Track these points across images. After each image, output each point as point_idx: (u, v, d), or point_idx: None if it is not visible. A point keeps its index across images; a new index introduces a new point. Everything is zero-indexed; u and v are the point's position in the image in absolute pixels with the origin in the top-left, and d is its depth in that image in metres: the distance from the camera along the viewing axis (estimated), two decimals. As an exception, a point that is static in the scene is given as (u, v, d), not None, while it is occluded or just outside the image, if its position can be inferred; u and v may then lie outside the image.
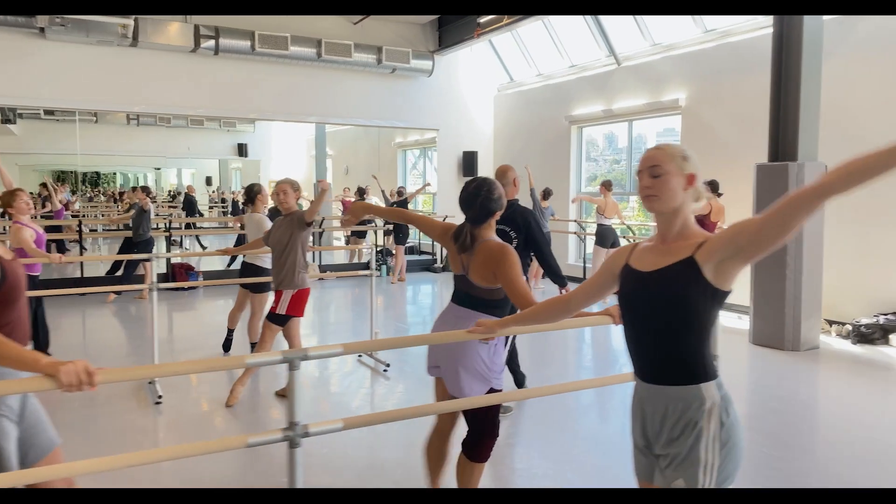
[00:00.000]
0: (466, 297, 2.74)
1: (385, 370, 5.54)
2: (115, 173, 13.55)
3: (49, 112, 10.80)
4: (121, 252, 8.95)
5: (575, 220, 10.68)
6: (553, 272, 4.39)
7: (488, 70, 12.57)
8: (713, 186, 7.05)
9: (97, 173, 13.18)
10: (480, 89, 12.62)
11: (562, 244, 11.00)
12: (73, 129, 11.11)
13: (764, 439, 4.12)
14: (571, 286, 3.00)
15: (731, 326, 7.43)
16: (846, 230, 7.12)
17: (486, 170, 12.32)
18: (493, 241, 2.68)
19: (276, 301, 4.59)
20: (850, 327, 6.77)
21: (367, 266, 12.04)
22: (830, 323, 7.14)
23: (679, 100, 8.97)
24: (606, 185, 8.51)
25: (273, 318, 4.57)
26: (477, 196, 2.68)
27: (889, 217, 6.81)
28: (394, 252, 11.00)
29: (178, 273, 10.01)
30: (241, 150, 13.87)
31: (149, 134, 12.40)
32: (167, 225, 10.24)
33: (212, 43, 9.87)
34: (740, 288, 7.24)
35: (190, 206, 11.21)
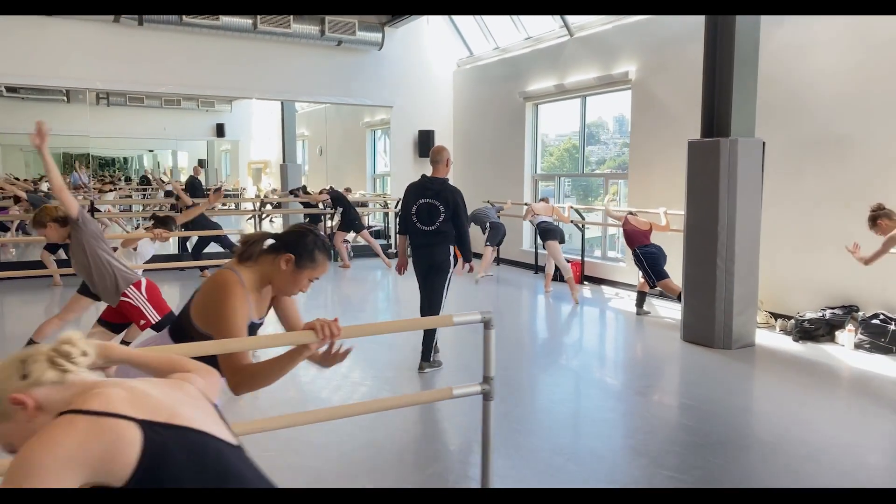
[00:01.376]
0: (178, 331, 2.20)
1: None
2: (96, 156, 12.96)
3: (11, 89, 10.25)
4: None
5: (527, 204, 10.01)
6: (465, 248, 5.03)
7: (447, 44, 11.81)
8: (631, 213, 7.35)
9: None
10: (439, 65, 11.86)
11: (516, 230, 10.35)
12: (40, 109, 10.54)
13: (648, 462, 3.50)
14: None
15: (670, 319, 6.79)
16: (792, 216, 6.44)
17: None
18: (226, 271, 2.12)
19: (141, 316, 4.13)
20: (793, 322, 6.12)
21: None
22: (776, 317, 6.48)
23: (629, 73, 8.26)
24: (545, 200, 8.51)
25: (158, 327, 4.10)
26: (294, 240, 2.17)
27: (841, 203, 6.11)
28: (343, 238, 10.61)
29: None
30: (220, 130, 13.31)
31: (124, 115, 11.82)
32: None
33: (135, 12, 9.23)
34: (674, 278, 6.62)
35: (193, 189, 10.23)
